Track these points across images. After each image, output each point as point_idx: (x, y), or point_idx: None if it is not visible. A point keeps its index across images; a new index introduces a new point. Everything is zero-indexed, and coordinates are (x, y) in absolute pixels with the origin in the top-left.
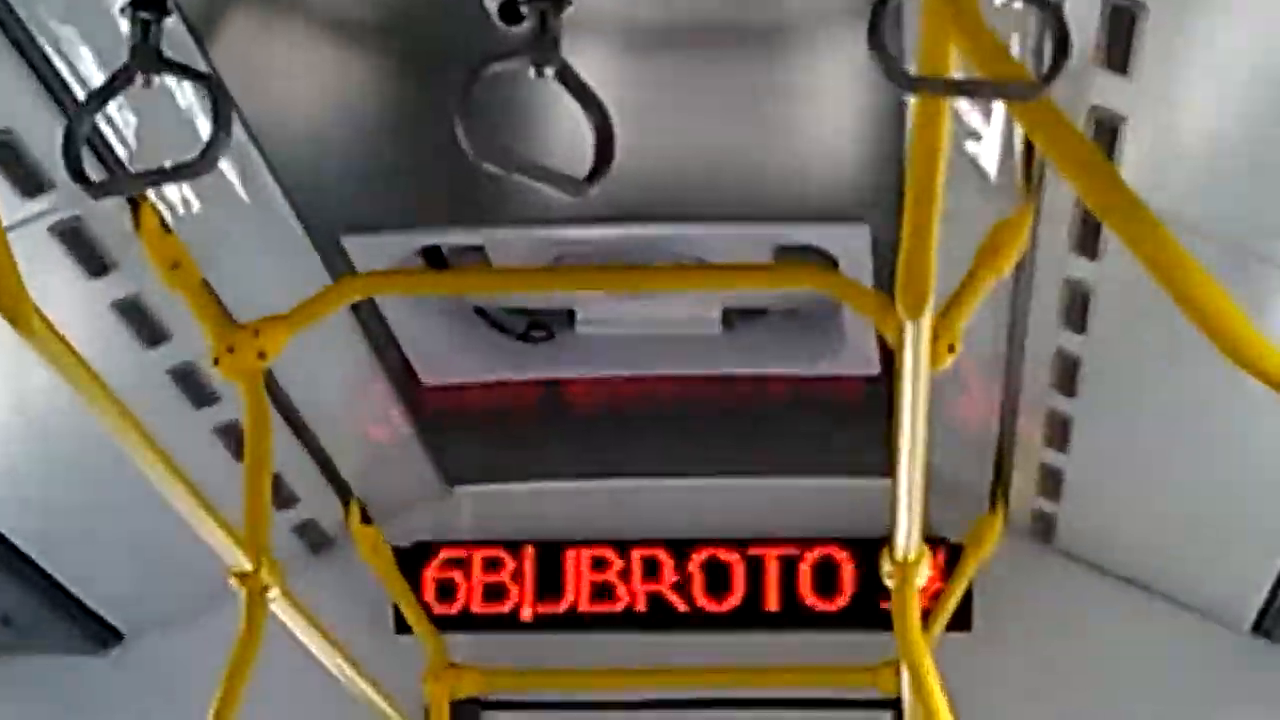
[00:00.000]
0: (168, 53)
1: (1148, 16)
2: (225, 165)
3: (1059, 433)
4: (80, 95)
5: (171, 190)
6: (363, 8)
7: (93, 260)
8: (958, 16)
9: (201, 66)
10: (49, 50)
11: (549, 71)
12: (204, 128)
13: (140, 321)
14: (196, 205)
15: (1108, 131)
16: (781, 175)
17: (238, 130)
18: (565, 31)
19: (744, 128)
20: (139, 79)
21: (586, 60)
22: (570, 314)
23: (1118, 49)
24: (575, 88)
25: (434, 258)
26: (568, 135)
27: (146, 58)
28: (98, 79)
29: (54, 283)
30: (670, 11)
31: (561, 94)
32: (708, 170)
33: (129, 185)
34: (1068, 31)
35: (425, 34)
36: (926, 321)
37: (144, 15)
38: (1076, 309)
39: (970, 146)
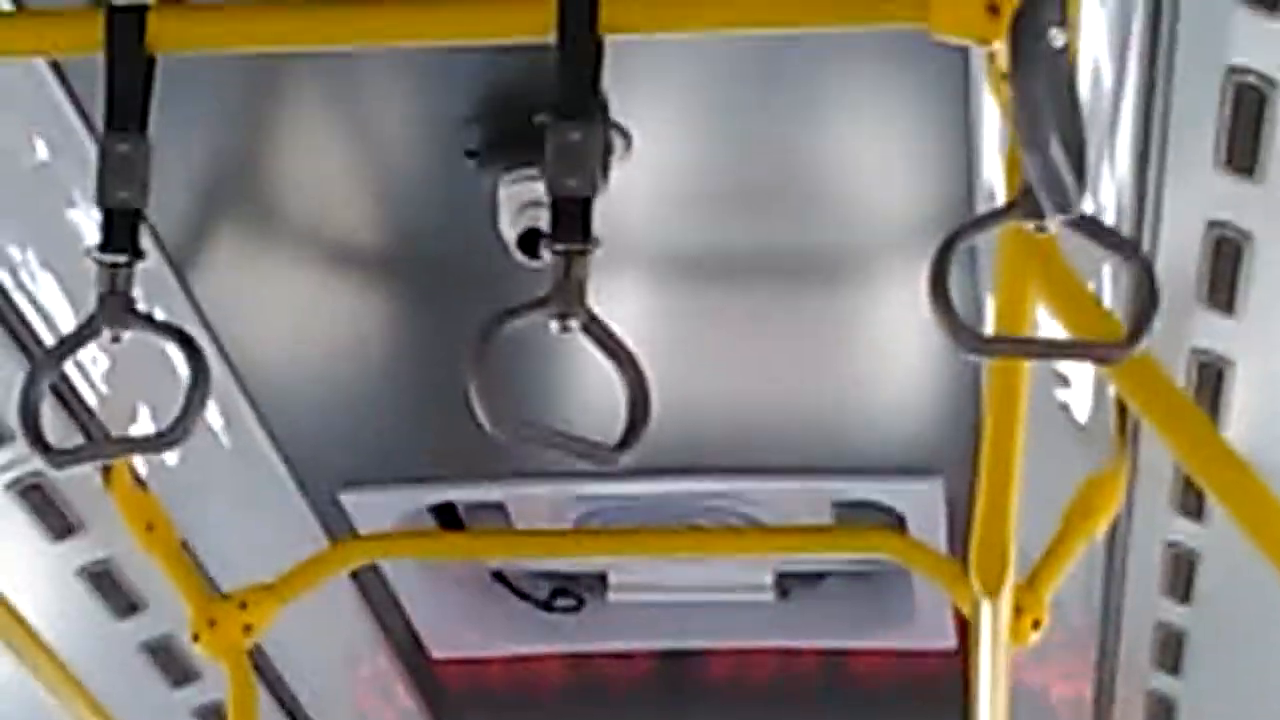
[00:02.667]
0: (140, 294)
1: (1254, 249)
2: (211, 413)
3: (1162, 716)
4: (47, 339)
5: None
6: (365, 239)
7: (57, 521)
8: (1041, 266)
9: (182, 303)
10: (10, 289)
11: (574, 324)
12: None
13: (111, 590)
14: (174, 457)
15: (1212, 376)
16: (841, 423)
17: (223, 374)
18: (596, 263)
19: (798, 371)
20: (106, 333)
21: (620, 295)
22: (602, 578)
23: (1222, 285)
24: (604, 342)
25: (446, 516)
26: (598, 387)
27: (115, 309)
28: (66, 320)
29: (13, 545)
30: (716, 242)
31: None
32: (758, 418)
33: (93, 455)
34: (1158, 289)
35: (435, 267)
36: (1006, 597)
37: (112, 259)
38: (1180, 576)
39: (1058, 392)
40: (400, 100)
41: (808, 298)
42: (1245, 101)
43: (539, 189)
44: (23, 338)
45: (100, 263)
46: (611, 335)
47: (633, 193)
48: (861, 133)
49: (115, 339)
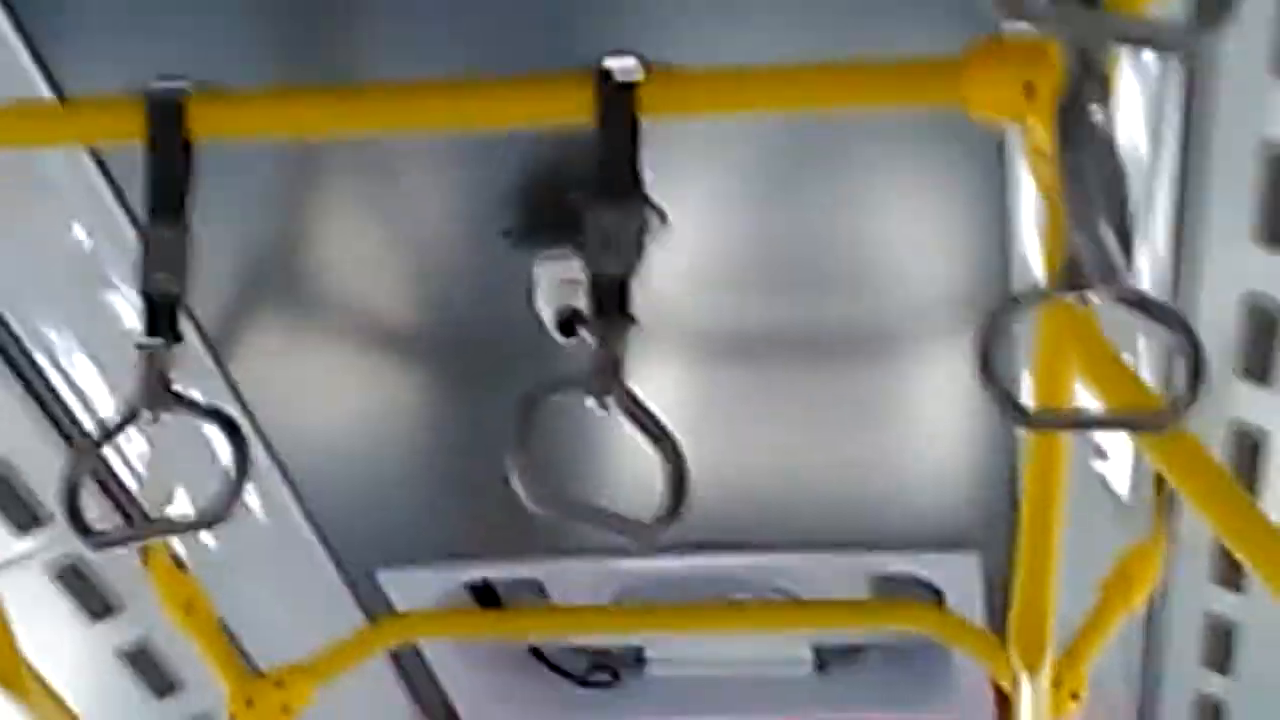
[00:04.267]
0: (177, 377)
1: None
2: (247, 492)
3: None
4: (85, 421)
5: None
6: (401, 320)
7: (95, 602)
8: (1079, 340)
9: (219, 386)
10: (50, 373)
11: (611, 402)
12: (224, 449)
13: (149, 669)
14: (212, 537)
15: (1249, 448)
16: (878, 499)
17: (260, 454)
18: (634, 338)
19: (834, 447)
20: (146, 415)
21: (656, 373)
22: (639, 653)
23: (1258, 357)
24: (642, 420)
25: (484, 593)
26: (636, 463)
27: (155, 392)
28: (104, 404)
29: (51, 626)
30: (753, 320)
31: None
32: (794, 494)
33: (133, 536)
34: (1204, 359)
35: (471, 347)
36: (1046, 673)
37: (150, 344)
38: (1219, 647)
39: (1096, 465)
40: (436, 181)
41: (843, 374)
42: None
43: (575, 268)
44: (62, 421)
45: (141, 348)
46: (649, 414)
47: (668, 271)
48: (897, 210)
49: (155, 420)
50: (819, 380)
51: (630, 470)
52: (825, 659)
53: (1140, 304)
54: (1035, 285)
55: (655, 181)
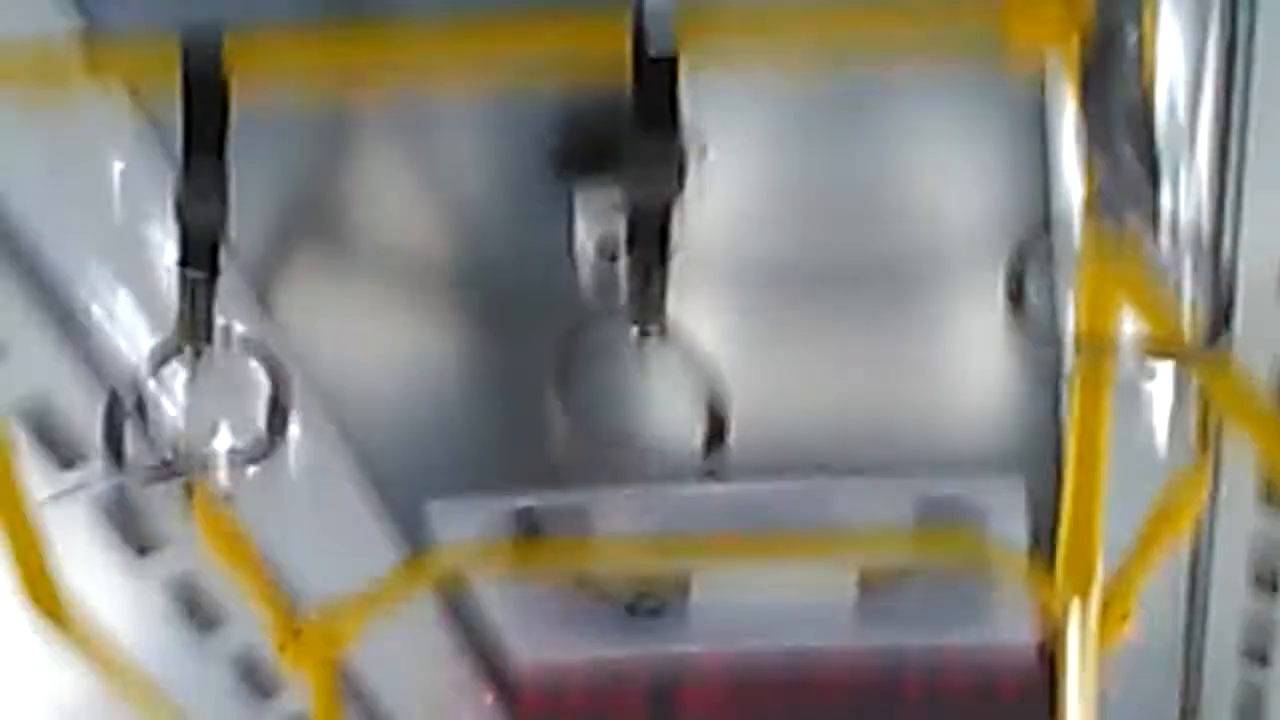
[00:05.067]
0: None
1: None
2: (292, 428)
3: (1251, 707)
4: (129, 357)
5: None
6: (443, 255)
7: (139, 536)
8: (1123, 266)
9: (262, 323)
10: (92, 310)
11: (653, 333)
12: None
13: (193, 605)
14: (256, 472)
15: None
16: (923, 425)
17: (304, 390)
18: (692, 268)
19: (879, 375)
20: (186, 350)
21: (702, 304)
22: (684, 581)
23: None
24: (683, 354)
25: (528, 523)
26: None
27: (194, 329)
28: (143, 341)
29: (98, 562)
30: (797, 251)
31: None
32: (839, 422)
33: (177, 471)
34: (1234, 286)
35: (515, 282)
36: (1095, 597)
37: (192, 275)
38: (1266, 568)
39: (1141, 392)
40: (473, 120)
41: (888, 303)
42: None
43: (616, 196)
44: (105, 358)
45: (180, 279)
46: (691, 350)
47: (714, 203)
48: (939, 142)
49: (196, 355)
50: (863, 310)
51: (675, 399)
52: (869, 585)
53: (1170, 232)
54: (1066, 211)
55: (700, 119)
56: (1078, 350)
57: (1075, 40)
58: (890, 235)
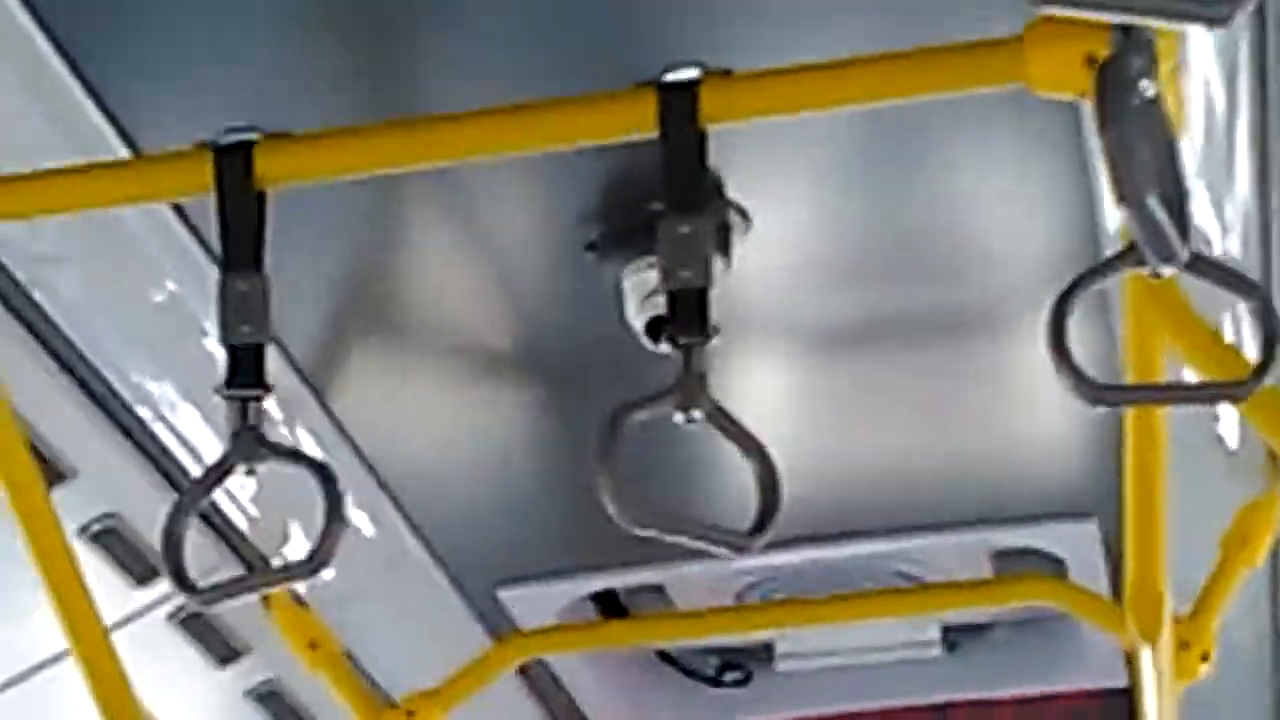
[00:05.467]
0: (281, 416)
1: None
2: (361, 522)
3: None
4: (194, 470)
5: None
6: (496, 339)
7: (220, 646)
8: (1164, 309)
9: (321, 421)
10: (157, 426)
11: (698, 415)
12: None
13: (280, 710)
14: (330, 571)
15: None
16: (991, 474)
17: (370, 484)
18: (735, 337)
19: (943, 427)
20: (241, 467)
21: (757, 370)
22: (768, 648)
23: None
24: (729, 430)
25: (607, 602)
26: (734, 471)
27: (247, 444)
28: (212, 451)
29: (179, 676)
30: (847, 309)
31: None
32: (908, 478)
33: (239, 589)
34: (1277, 325)
35: (568, 361)
36: (1166, 637)
37: (242, 394)
38: None
39: (1209, 421)
40: (518, 200)
41: (943, 355)
42: None
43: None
44: (172, 473)
45: (229, 399)
46: (735, 423)
47: (761, 269)
48: (981, 187)
49: (250, 472)
50: (920, 363)
51: (730, 478)
52: (954, 638)
53: (1209, 269)
54: (1103, 260)
55: (738, 182)
56: (1101, 403)
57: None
58: (942, 289)
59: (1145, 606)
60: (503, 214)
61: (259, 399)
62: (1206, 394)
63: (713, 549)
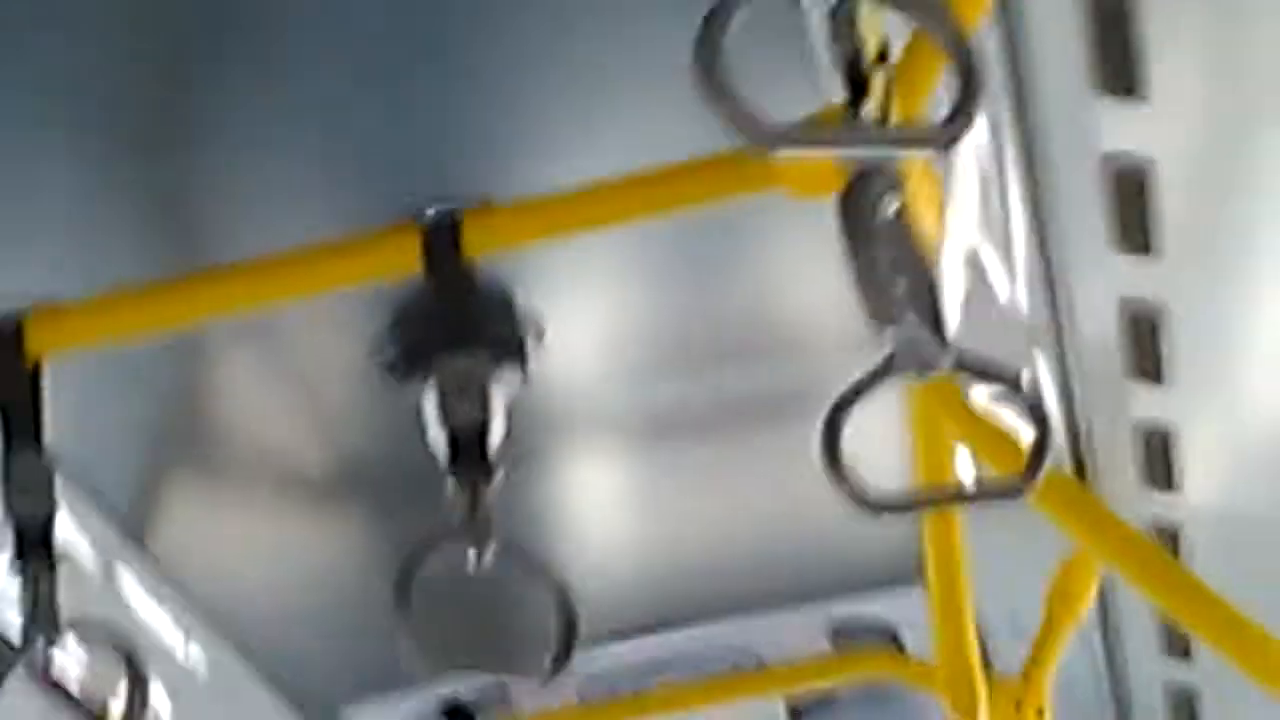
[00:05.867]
0: (99, 562)
1: (1168, 321)
2: (196, 657)
3: None
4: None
5: None
6: (315, 465)
7: None
8: (947, 409)
9: (138, 564)
10: None
11: (489, 555)
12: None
13: None
14: (169, 708)
15: (1159, 444)
16: (821, 547)
17: (199, 620)
18: (555, 436)
19: (770, 504)
20: (40, 659)
21: (585, 461)
22: None
23: (1145, 357)
24: (524, 566)
25: (453, 709)
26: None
27: (41, 622)
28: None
29: None
30: (672, 393)
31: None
32: (740, 558)
33: None
34: (1046, 417)
35: (390, 481)
36: (985, 705)
37: (27, 572)
38: (1179, 635)
39: None
40: (323, 326)
41: (763, 436)
42: (1124, 185)
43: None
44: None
45: (20, 573)
46: (531, 561)
47: (571, 369)
48: (789, 269)
49: (49, 647)
50: (740, 445)
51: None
52: (801, 711)
53: (975, 370)
54: (870, 370)
55: (535, 286)
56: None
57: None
58: (756, 368)
59: (957, 681)
60: (308, 341)
61: (51, 571)
62: (987, 495)
63: (514, 679)
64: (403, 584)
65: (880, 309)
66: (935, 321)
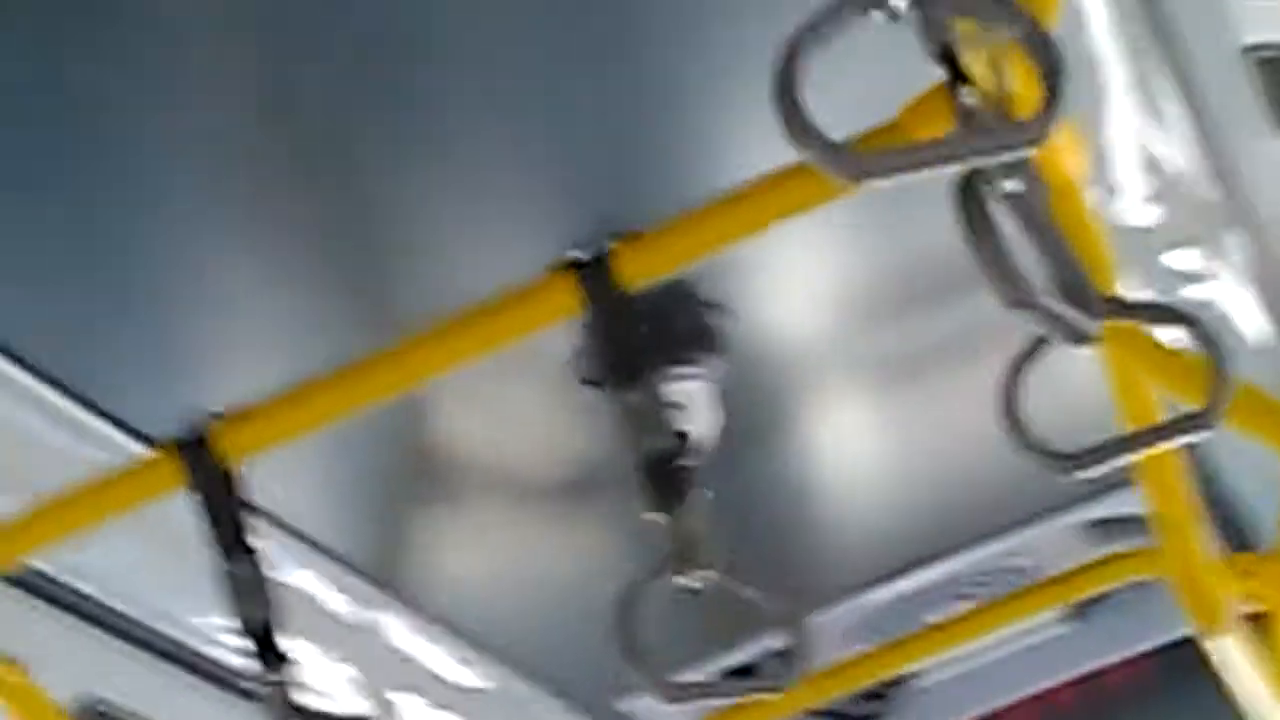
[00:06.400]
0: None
1: None
2: (483, 683)
3: None
4: None
5: None
6: (545, 483)
7: None
8: (1141, 353)
9: (397, 609)
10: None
11: (700, 579)
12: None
13: None
14: None
15: None
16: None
17: (473, 649)
18: (801, 386)
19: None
20: None
21: (832, 402)
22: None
23: None
24: (741, 593)
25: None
26: None
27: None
28: None
29: None
30: (903, 333)
31: None
32: (983, 484)
33: None
34: (1222, 350)
35: (616, 485)
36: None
37: (272, 678)
38: None
39: None
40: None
41: (993, 362)
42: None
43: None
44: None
45: (267, 684)
46: (745, 585)
47: (809, 318)
48: None
49: None
50: (974, 375)
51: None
52: (1080, 608)
53: (1145, 315)
54: (1030, 344)
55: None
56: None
57: None
58: (956, 310)
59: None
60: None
61: (280, 664)
62: (1173, 433)
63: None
64: (625, 618)
65: (1016, 295)
66: (1079, 291)
